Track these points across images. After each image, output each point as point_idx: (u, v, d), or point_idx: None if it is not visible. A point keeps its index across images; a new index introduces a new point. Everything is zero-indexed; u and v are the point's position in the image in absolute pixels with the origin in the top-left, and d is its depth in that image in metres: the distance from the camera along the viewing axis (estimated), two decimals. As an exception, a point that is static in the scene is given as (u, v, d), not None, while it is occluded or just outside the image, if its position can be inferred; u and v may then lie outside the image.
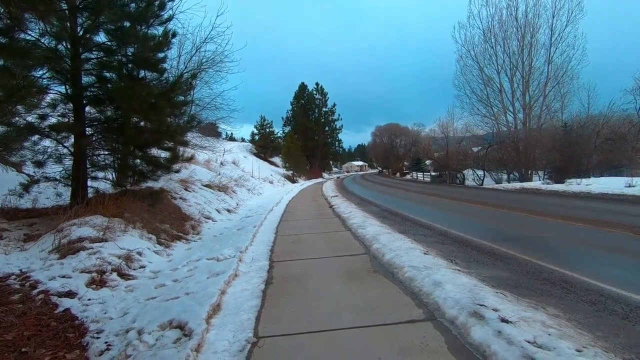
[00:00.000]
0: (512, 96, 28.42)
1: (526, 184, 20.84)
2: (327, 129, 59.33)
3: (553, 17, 26.54)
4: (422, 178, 42.97)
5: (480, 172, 28.73)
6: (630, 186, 13.77)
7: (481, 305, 3.11)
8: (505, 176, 27.30)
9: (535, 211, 9.82)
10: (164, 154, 8.56)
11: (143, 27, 7.59)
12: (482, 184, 26.72)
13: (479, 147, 32.91)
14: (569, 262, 4.78)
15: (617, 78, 47.82)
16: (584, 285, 3.95)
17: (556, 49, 26.77)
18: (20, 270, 4.47)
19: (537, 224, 7.98)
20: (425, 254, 5.09)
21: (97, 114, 7.68)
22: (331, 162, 73.23)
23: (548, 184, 19.23)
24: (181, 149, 9.39)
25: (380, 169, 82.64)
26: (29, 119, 6.75)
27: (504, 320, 2.80)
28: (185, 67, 13.50)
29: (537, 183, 20.82)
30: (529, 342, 2.48)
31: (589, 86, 26.88)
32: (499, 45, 28.32)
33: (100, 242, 5.32)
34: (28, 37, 6.20)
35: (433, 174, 38.94)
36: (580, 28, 26.27)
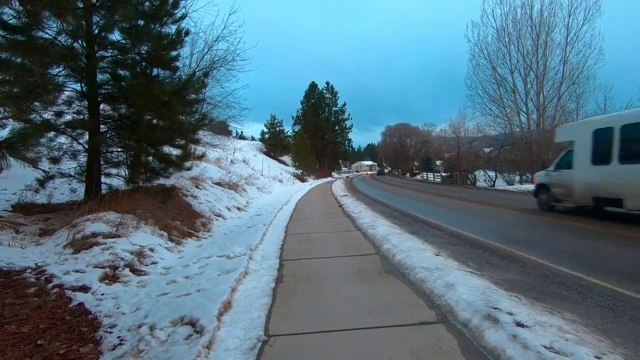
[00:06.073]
0: (526, 96, 27.91)
1: (539, 186, 20.44)
2: (336, 128, 59.27)
3: (569, 16, 25.99)
4: (432, 178, 42.64)
5: (491, 173, 28.32)
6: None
7: (495, 308, 3.05)
8: (517, 177, 26.86)
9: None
10: (175, 152, 8.66)
11: (157, 26, 7.70)
12: (493, 185, 26.33)
13: (491, 148, 32.44)
14: (586, 266, 4.67)
15: (635, 79, 46.59)
16: (601, 290, 3.85)
17: (572, 48, 26.21)
18: (36, 264, 4.55)
19: (549, 227, 7.83)
20: (436, 255, 5.03)
21: (111, 112, 7.81)
22: (340, 161, 72.98)
23: (562, 186, 18.81)
24: (192, 146, 9.47)
25: (388, 168, 74.56)
26: (46, 115, 6.89)
27: (519, 325, 2.74)
28: (198, 66, 13.65)
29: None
30: (545, 347, 2.42)
31: (605, 87, 26.27)
32: (512, 45, 27.83)
33: (113, 237, 5.39)
34: (45, 36, 6.31)
35: (443, 174, 38.54)
36: (598, 27, 25.64)
